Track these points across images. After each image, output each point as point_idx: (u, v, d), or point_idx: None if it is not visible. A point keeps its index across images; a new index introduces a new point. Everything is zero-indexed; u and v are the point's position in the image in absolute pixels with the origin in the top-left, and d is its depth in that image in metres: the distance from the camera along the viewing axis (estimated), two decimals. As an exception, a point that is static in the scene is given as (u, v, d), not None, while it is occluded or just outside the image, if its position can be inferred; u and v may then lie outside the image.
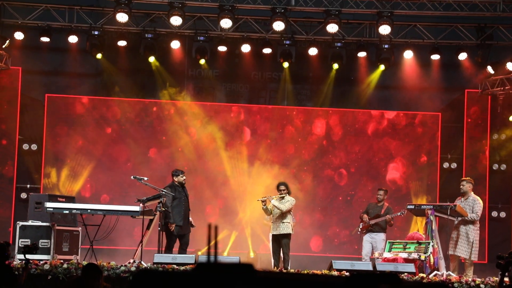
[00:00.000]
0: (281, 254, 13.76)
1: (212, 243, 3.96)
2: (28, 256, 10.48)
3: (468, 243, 13.74)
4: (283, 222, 13.68)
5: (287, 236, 13.71)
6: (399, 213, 14.74)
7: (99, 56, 16.86)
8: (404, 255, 13.64)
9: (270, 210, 13.80)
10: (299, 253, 16.52)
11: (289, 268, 13.68)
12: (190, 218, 14.05)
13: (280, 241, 13.75)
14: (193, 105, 17.44)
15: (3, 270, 10.41)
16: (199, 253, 15.70)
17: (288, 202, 13.72)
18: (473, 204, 13.85)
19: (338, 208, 17.58)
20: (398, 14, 16.54)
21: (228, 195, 17.24)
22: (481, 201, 13.98)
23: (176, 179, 14.07)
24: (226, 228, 16.84)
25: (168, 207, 13.68)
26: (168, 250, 13.79)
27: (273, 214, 13.81)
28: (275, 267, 13.59)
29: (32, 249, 10.42)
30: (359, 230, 14.95)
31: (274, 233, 13.84)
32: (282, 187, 13.84)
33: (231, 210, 17.22)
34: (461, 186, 14.05)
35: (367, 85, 17.60)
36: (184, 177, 14.07)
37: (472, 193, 14.06)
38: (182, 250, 13.90)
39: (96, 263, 12.35)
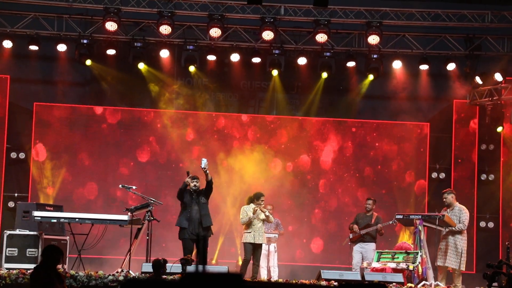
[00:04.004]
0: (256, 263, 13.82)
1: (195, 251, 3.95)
2: (14, 265, 10.43)
3: (457, 254, 13.74)
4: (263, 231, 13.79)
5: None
6: (390, 222, 14.71)
7: (88, 62, 16.82)
8: (393, 265, 13.64)
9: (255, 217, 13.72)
10: (288, 263, 16.50)
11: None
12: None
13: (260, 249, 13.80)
14: (182, 114, 17.41)
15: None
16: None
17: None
18: (459, 214, 13.84)
19: (326, 218, 17.56)
20: (387, 24, 16.62)
21: (217, 202, 17.15)
22: (467, 211, 13.97)
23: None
24: (214, 236, 16.81)
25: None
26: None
27: (258, 220, 13.72)
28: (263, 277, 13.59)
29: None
30: (349, 240, 14.92)
31: (261, 241, 13.77)
32: (263, 198, 13.87)
33: (222, 217, 17.16)
34: (444, 199, 14.01)
35: (356, 95, 17.64)
36: (194, 183, 13.36)
37: (457, 203, 14.05)
38: (199, 253, 13.76)
39: (84, 272, 12.33)
